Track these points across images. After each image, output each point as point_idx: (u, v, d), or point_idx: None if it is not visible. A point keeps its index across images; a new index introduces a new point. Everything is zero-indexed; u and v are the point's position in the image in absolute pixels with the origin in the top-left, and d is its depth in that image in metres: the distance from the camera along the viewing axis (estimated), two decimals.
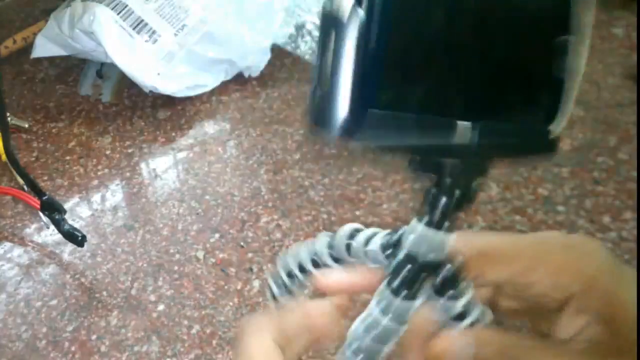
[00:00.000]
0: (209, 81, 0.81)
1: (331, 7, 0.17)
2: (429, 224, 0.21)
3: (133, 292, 0.57)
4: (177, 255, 0.60)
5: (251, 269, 0.58)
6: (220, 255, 0.60)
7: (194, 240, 0.62)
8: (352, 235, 0.24)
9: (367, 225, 0.24)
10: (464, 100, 0.20)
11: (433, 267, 0.22)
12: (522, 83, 0.21)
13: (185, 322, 0.54)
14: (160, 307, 0.56)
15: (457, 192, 0.21)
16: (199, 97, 0.81)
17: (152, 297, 0.57)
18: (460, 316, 0.22)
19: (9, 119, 0.70)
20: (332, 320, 0.22)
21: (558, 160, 0.66)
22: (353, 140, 0.19)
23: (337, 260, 0.25)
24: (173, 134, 0.76)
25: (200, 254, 0.60)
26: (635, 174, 0.63)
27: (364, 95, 0.17)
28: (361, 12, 0.16)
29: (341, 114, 0.18)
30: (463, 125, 0.19)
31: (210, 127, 0.77)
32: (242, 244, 0.61)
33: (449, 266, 0.22)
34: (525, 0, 0.20)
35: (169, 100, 0.80)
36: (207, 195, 0.67)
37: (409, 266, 0.22)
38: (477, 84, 0.20)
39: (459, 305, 0.22)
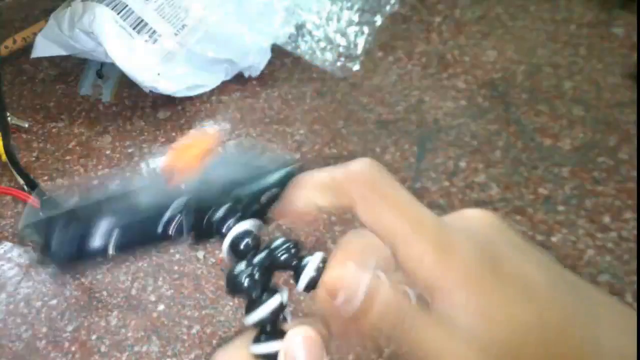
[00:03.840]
0: (209, 81, 0.81)
1: None
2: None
3: (133, 292, 0.57)
4: (177, 255, 0.60)
5: None
6: (221, 255, 0.60)
7: None
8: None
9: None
10: None
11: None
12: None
13: (185, 322, 0.54)
14: (160, 307, 0.56)
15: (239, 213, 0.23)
16: (199, 97, 0.81)
17: (152, 297, 0.57)
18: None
19: (9, 119, 0.70)
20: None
21: (558, 160, 0.66)
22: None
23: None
24: (173, 134, 0.76)
25: (201, 254, 0.60)
26: (635, 174, 0.63)
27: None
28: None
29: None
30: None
31: (210, 128, 0.77)
32: None
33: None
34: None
35: (169, 100, 0.80)
36: None
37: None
38: None
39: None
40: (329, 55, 0.81)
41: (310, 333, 0.20)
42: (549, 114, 0.71)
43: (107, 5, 0.76)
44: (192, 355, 0.52)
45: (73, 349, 0.53)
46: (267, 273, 0.21)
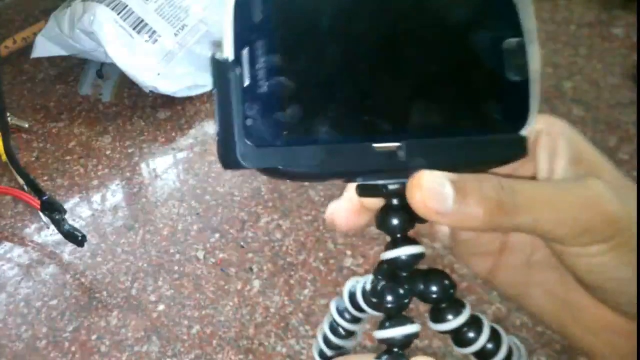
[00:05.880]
0: (209, 81, 0.81)
1: (218, 54, 0.17)
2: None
3: (133, 292, 0.57)
4: (177, 255, 0.60)
5: (251, 269, 0.58)
6: (220, 255, 0.60)
7: (194, 240, 0.62)
8: (352, 291, 0.24)
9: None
10: (388, 119, 0.19)
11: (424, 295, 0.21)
12: (470, 93, 0.20)
13: (185, 322, 0.54)
14: (160, 307, 0.56)
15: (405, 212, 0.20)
16: (199, 97, 0.81)
17: (152, 297, 0.57)
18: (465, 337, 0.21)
19: (9, 119, 0.70)
20: None
21: None
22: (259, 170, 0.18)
23: (355, 319, 0.25)
24: (173, 134, 0.76)
25: (200, 254, 0.60)
26: (635, 173, 0.63)
27: (254, 133, 0.17)
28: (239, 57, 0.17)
29: (231, 152, 0.17)
30: (387, 146, 0.18)
31: (210, 127, 0.77)
32: (242, 244, 0.61)
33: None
34: (458, 6, 0.19)
35: (169, 100, 0.80)
36: (207, 195, 0.67)
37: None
38: (401, 101, 0.19)
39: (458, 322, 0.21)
40: None
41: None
42: (549, 114, 0.71)
43: (107, 5, 0.76)
44: (192, 355, 0.52)
45: (73, 349, 0.53)
46: (410, 297, 0.21)
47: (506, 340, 0.21)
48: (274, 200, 0.65)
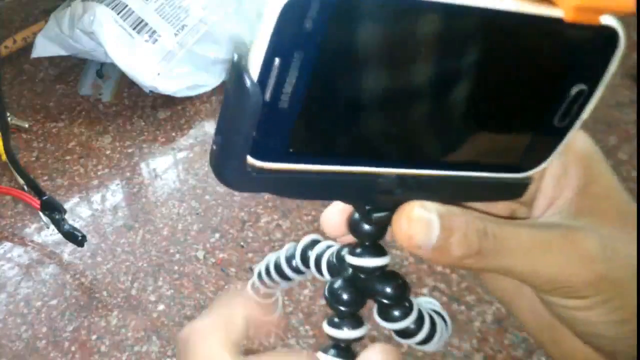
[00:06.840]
0: (209, 81, 0.81)
1: (238, 57, 0.15)
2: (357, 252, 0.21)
3: (133, 292, 0.57)
4: (177, 255, 0.60)
5: (251, 269, 0.58)
6: (221, 255, 0.60)
7: (194, 240, 0.62)
8: (309, 247, 0.24)
9: None
10: (400, 150, 0.18)
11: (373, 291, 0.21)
12: (502, 132, 0.18)
13: (186, 322, 0.54)
14: (160, 307, 0.56)
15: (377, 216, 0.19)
16: (199, 97, 0.81)
17: (152, 297, 0.57)
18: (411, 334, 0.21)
19: (9, 119, 0.70)
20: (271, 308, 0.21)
21: None
22: (248, 191, 0.18)
23: (296, 270, 0.25)
24: (173, 134, 0.76)
25: (201, 254, 0.60)
26: (635, 174, 0.63)
27: (257, 149, 0.16)
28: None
29: (227, 167, 0.17)
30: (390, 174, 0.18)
31: (210, 127, 0.77)
32: (242, 244, 0.61)
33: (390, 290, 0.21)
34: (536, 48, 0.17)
35: (169, 100, 0.80)
36: (207, 195, 0.67)
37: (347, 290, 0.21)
38: (425, 134, 0.18)
39: (408, 322, 0.21)
40: None
41: (388, 347, 0.20)
42: None
43: (107, 5, 0.76)
44: None
45: (73, 349, 0.53)
46: (366, 296, 0.21)
47: (440, 324, 0.22)
48: (274, 200, 0.65)
